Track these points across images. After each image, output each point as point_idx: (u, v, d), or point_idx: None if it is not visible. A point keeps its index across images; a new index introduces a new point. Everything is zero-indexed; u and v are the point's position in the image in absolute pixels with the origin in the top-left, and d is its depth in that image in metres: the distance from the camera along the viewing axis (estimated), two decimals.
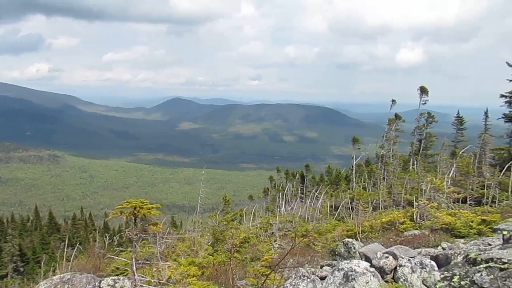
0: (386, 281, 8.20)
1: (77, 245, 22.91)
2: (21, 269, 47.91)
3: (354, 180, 38.20)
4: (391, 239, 14.59)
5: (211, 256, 17.95)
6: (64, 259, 20.08)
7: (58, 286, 9.66)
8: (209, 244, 20.97)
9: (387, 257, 8.75)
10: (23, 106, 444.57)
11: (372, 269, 8.30)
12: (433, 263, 8.26)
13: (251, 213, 36.74)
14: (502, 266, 4.48)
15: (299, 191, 46.09)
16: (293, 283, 9.03)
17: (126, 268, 15.12)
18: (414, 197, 21.83)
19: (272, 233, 25.95)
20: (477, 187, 25.78)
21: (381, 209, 27.52)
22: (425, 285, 7.61)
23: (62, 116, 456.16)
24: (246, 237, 22.85)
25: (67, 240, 27.47)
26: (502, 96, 32.41)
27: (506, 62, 31.88)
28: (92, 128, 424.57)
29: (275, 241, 22.54)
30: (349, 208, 29.21)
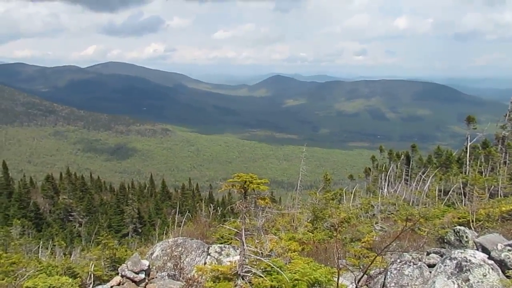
0: (508, 276, 7.41)
1: (187, 212, 24.79)
2: (139, 230, 53.92)
3: (468, 164, 34.95)
4: None
5: (310, 233, 18.09)
6: (175, 224, 21.95)
7: (173, 248, 10.63)
8: (308, 221, 21.10)
9: (509, 250, 7.88)
10: (141, 84, 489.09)
11: (491, 262, 7.57)
12: None
13: (351, 193, 35.95)
14: None
15: (403, 173, 43.72)
16: (398, 268, 8.67)
17: (230, 237, 16.01)
18: None
19: (373, 214, 25.17)
20: None
21: (500, 196, 24.85)
22: None
23: (173, 93, 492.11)
24: (346, 217, 22.52)
25: (177, 208, 30.00)
26: None
27: None
28: (199, 104, 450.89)
29: (376, 223, 21.84)
30: (461, 194, 26.88)
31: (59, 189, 63.32)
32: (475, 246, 9.49)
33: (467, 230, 12.99)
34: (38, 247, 22.33)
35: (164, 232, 25.29)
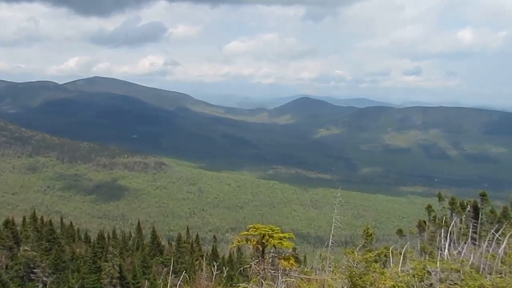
0: None
1: (183, 273, 24.39)
2: None
3: None
4: None
5: None
6: None
7: None
8: None
9: None
10: (132, 105, 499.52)
11: None
12: None
13: (400, 253, 35.05)
14: None
15: (470, 229, 42.61)
16: None
17: None
18: None
19: (431, 284, 24.31)
20: None
21: None
22: None
23: (172, 117, 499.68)
24: (393, 286, 21.79)
25: (171, 266, 29.62)
26: None
27: None
28: (205, 132, 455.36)
29: None
30: None
31: (21, 238, 63.55)
32: None
33: None
34: None
35: None
